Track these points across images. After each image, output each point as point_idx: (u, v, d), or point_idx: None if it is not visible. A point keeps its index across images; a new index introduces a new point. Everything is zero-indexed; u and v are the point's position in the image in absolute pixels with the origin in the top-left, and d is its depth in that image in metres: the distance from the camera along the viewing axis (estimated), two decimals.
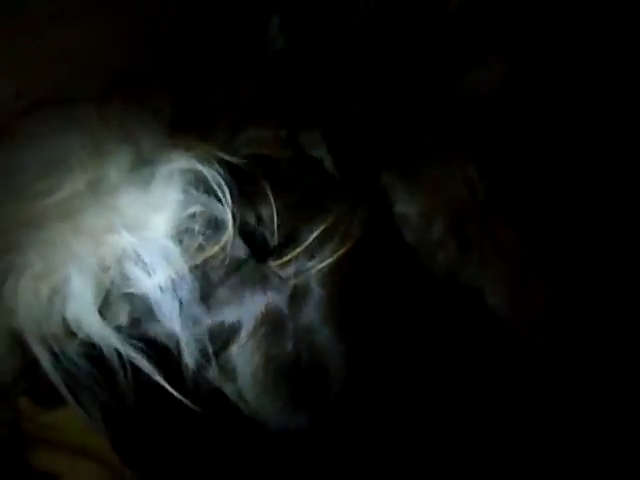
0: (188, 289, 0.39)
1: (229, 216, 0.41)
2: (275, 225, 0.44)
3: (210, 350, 0.39)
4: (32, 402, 0.42)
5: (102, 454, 0.41)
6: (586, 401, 0.41)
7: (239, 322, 0.41)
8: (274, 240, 0.44)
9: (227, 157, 0.44)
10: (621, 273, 0.44)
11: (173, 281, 0.39)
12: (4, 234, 0.38)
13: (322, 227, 0.44)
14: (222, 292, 0.41)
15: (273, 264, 0.42)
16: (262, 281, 0.42)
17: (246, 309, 0.41)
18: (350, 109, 0.49)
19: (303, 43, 0.53)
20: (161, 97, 0.47)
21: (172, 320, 0.38)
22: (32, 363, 0.40)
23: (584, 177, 0.46)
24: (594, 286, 0.44)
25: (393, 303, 0.43)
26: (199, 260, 0.40)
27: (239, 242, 0.42)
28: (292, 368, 0.41)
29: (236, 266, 0.42)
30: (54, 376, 0.39)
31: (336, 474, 0.40)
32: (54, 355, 0.39)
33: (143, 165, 0.42)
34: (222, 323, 0.41)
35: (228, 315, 0.41)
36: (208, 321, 0.40)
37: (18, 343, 0.39)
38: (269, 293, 0.42)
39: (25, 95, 0.46)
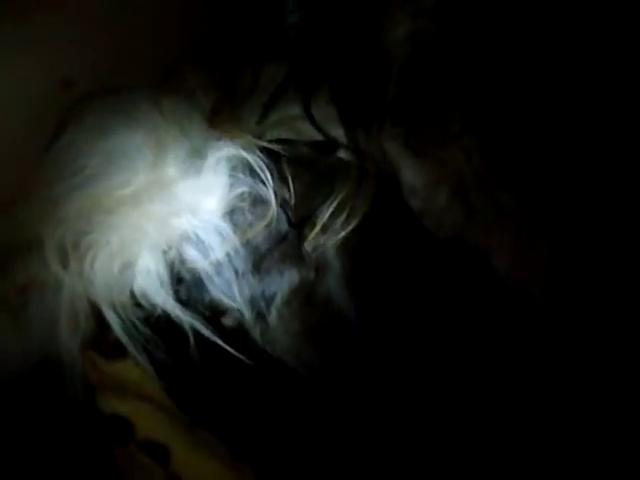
0: (242, 261, 0.47)
1: (272, 195, 0.48)
2: (293, 205, 0.50)
3: (255, 314, 0.47)
4: (98, 354, 0.49)
5: (159, 399, 0.49)
6: (584, 365, 0.46)
7: (276, 293, 0.49)
8: (293, 218, 0.51)
9: (262, 143, 0.50)
10: (621, 234, 0.48)
11: (228, 255, 0.46)
12: (86, 217, 0.45)
13: (334, 205, 0.49)
14: (266, 265, 0.49)
15: (304, 242, 0.50)
16: (297, 259, 0.49)
17: (283, 282, 0.49)
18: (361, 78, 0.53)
19: (317, 15, 0.58)
20: (201, 87, 0.53)
21: (230, 288, 0.46)
22: (100, 324, 0.48)
23: (578, 142, 0.50)
24: (594, 248, 0.48)
25: (402, 267, 0.50)
26: (250, 235, 0.47)
27: (282, 217, 0.49)
28: (320, 330, 0.49)
29: (278, 242, 0.49)
30: (121, 335, 0.47)
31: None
32: (122, 319, 0.47)
33: (195, 156, 0.49)
34: (263, 292, 0.49)
35: (268, 286, 0.49)
36: (256, 289, 0.48)
37: (93, 308, 0.47)
38: (302, 270, 0.49)
39: (75, 84, 0.49)
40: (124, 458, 0.47)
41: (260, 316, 0.48)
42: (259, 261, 0.48)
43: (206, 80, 0.53)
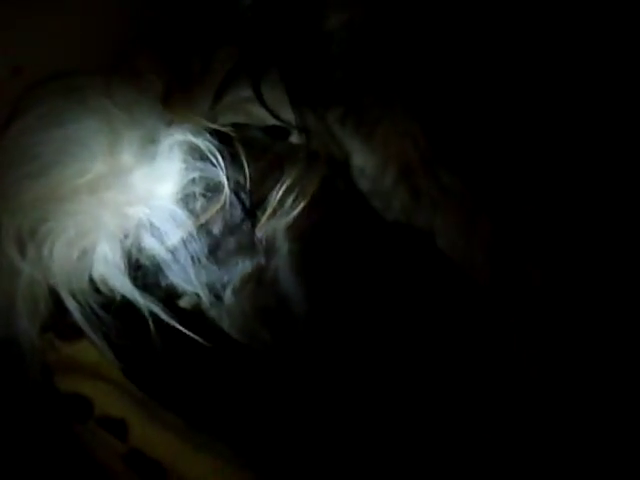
0: (197, 247, 0.48)
1: (224, 178, 0.49)
2: (248, 190, 0.52)
3: (212, 297, 0.50)
4: (56, 336, 0.51)
5: (115, 378, 0.51)
6: (524, 338, 0.50)
7: (231, 279, 0.51)
8: (248, 203, 0.53)
9: (215, 126, 0.51)
10: (562, 212, 0.51)
11: (184, 240, 0.48)
12: (43, 205, 0.45)
13: (283, 188, 0.52)
14: (221, 254, 0.51)
15: (256, 228, 0.52)
16: (251, 248, 0.51)
17: (238, 270, 0.51)
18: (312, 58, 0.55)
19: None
20: (153, 71, 0.53)
21: (187, 273, 0.48)
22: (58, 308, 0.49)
23: (518, 123, 0.53)
24: (535, 227, 0.51)
25: (350, 248, 0.52)
26: (203, 220, 0.49)
27: (235, 202, 0.50)
28: (269, 310, 0.51)
29: (232, 230, 0.51)
30: (80, 320, 0.48)
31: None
32: (80, 304, 0.48)
33: (148, 142, 0.50)
34: (219, 278, 0.51)
35: (225, 273, 0.51)
36: (212, 275, 0.50)
37: (51, 293, 0.48)
38: (255, 257, 0.51)
39: (23, 71, 0.50)
40: (85, 435, 0.49)
41: (217, 298, 0.50)
42: (214, 248, 0.50)
43: (157, 64, 0.54)
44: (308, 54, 0.56)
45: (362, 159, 0.56)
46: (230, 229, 0.51)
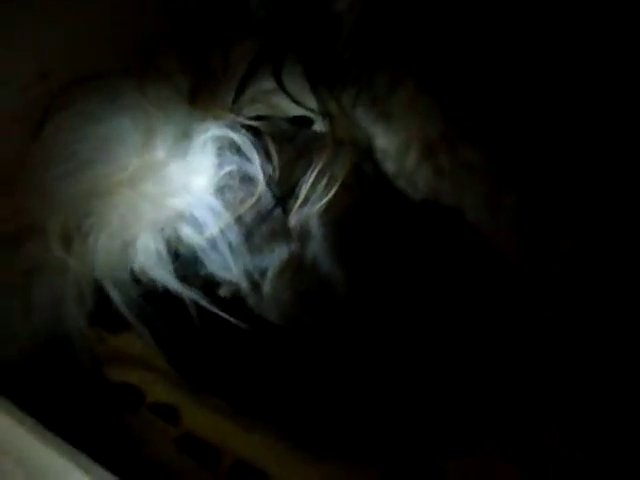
0: (235, 236, 0.50)
1: (259, 171, 0.51)
2: (277, 179, 0.53)
3: (250, 284, 0.51)
4: (103, 329, 0.52)
5: (162, 367, 0.52)
6: (559, 310, 0.51)
7: (268, 267, 0.52)
8: (278, 192, 0.54)
9: (244, 120, 0.53)
10: (586, 178, 0.52)
11: (222, 230, 0.50)
12: (86, 201, 0.47)
13: (314, 175, 0.53)
14: (257, 241, 0.52)
15: (289, 216, 0.53)
16: (284, 234, 0.52)
17: (274, 257, 0.52)
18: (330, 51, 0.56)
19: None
20: (178, 70, 0.55)
21: (225, 261, 0.49)
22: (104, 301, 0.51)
23: (540, 97, 0.54)
24: (561, 196, 0.53)
25: (383, 229, 0.53)
26: (241, 211, 0.50)
27: (268, 194, 0.52)
28: (310, 295, 0.53)
29: (265, 219, 0.52)
30: (124, 311, 0.50)
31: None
32: (124, 295, 0.50)
33: (182, 138, 0.51)
34: (256, 265, 0.52)
35: (261, 260, 0.52)
36: (250, 262, 0.51)
37: (96, 286, 0.49)
38: (290, 243, 0.52)
39: (51, 74, 0.51)
40: (136, 423, 0.51)
41: (255, 286, 0.52)
42: (250, 237, 0.51)
43: (182, 63, 0.56)
44: (321, 38, 0.57)
45: (384, 141, 0.58)
46: (263, 218, 0.52)
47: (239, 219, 0.51)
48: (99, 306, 0.51)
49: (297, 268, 0.53)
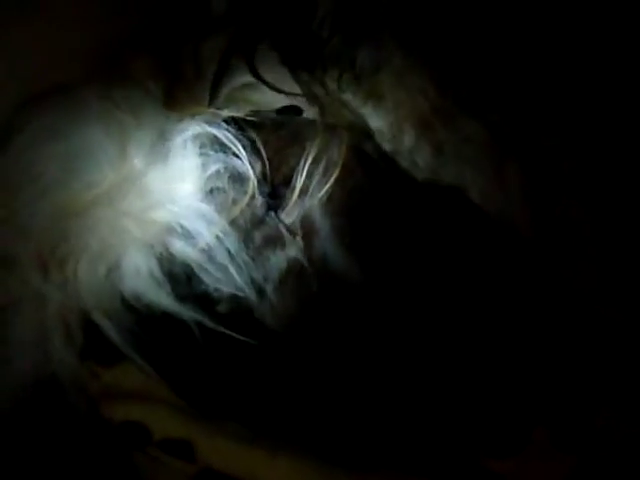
0: (232, 242, 0.45)
1: (247, 166, 0.46)
2: (268, 172, 0.48)
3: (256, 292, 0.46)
4: (95, 363, 0.47)
5: (167, 397, 0.47)
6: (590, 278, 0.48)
7: (266, 279, 0.47)
8: (269, 187, 0.49)
9: (227, 113, 0.48)
10: (591, 142, 0.50)
11: (217, 238, 0.44)
12: (59, 225, 0.42)
13: (309, 162, 0.48)
14: (255, 244, 0.47)
15: (282, 217, 0.48)
16: (279, 241, 0.47)
17: (270, 265, 0.47)
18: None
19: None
20: (149, 74, 0.50)
21: (226, 271, 0.44)
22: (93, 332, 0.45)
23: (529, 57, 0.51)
24: (568, 162, 0.50)
25: (387, 213, 0.49)
26: (236, 212, 0.45)
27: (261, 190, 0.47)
28: (319, 300, 0.48)
29: (257, 224, 0.47)
30: (118, 341, 0.44)
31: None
32: (116, 325, 0.44)
33: (158, 142, 0.46)
34: (258, 271, 0.47)
35: (261, 267, 0.47)
36: (251, 267, 0.46)
37: (83, 317, 0.44)
38: (286, 251, 0.48)
39: (10, 87, 0.45)
40: (146, 464, 0.45)
41: (259, 296, 0.47)
42: (248, 240, 0.46)
43: (151, 66, 0.51)
44: (294, 18, 0.53)
45: (377, 122, 0.54)
46: (260, 219, 0.48)
47: (234, 222, 0.45)
48: (88, 338, 0.45)
49: (301, 271, 0.48)
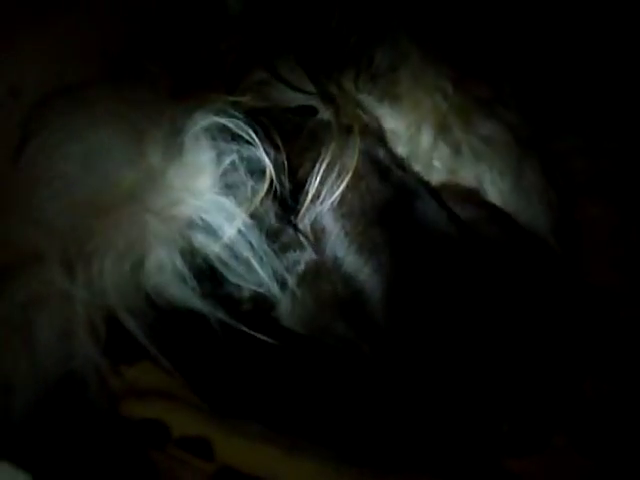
0: (254, 235, 0.45)
1: (263, 153, 0.45)
2: (286, 173, 0.49)
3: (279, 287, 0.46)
4: (118, 360, 0.46)
5: (186, 396, 0.47)
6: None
7: (285, 280, 0.47)
8: (286, 188, 0.49)
9: (243, 100, 0.48)
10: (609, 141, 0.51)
11: (239, 231, 0.44)
12: (83, 221, 0.41)
13: (323, 167, 0.48)
14: (271, 243, 0.47)
15: (296, 221, 0.48)
16: (298, 247, 0.48)
17: (289, 272, 0.47)
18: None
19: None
20: (160, 71, 0.49)
21: (249, 265, 0.44)
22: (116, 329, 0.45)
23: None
24: (589, 162, 0.51)
25: (399, 216, 0.49)
26: (257, 203, 0.45)
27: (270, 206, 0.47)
28: (335, 300, 0.48)
29: (274, 235, 0.47)
30: (141, 338, 0.44)
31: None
32: (140, 322, 0.44)
33: (172, 137, 0.46)
34: (282, 267, 0.47)
35: (278, 264, 0.47)
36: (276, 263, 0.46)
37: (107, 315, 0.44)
38: (305, 254, 0.48)
39: (23, 91, 0.45)
40: (165, 462, 0.45)
41: (284, 286, 0.47)
42: (270, 233, 0.46)
43: (163, 62, 0.50)
44: (312, 20, 0.54)
45: (393, 123, 0.54)
46: (279, 213, 0.48)
47: (255, 214, 0.45)
48: (111, 336, 0.45)
49: (317, 272, 0.48)
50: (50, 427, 0.43)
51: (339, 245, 0.49)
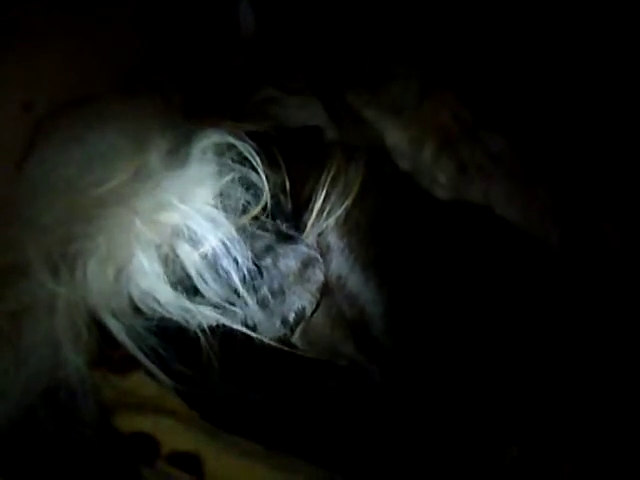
0: (239, 248, 0.43)
1: (263, 178, 0.44)
2: (288, 193, 0.48)
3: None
4: (109, 371, 0.45)
5: (178, 409, 0.45)
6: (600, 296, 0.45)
7: (272, 291, 0.45)
8: (289, 207, 0.48)
9: (249, 127, 0.47)
10: (619, 158, 0.48)
11: (224, 244, 0.43)
12: (68, 224, 0.41)
13: (327, 184, 0.47)
14: (258, 260, 0.45)
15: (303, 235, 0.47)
16: (308, 261, 0.46)
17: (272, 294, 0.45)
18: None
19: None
20: (170, 86, 0.50)
21: (231, 278, 0.42)
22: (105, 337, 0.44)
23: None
24: (598, 182, 0.48)
25: (405, 233, 0.48)
26: (245, 220, 0.44)
27: (274, 204, 0.46)
28: (342, 319, 0.46)
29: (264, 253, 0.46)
30: (130, 346, 0.43)
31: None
32: (125, 327, 0.43)
33: (178, 148, 0.45)
34: (267, 284, 0.45)
35: (261, 282, 0.45)
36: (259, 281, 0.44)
37: (93, 319, 0.43)
38: (317, 272, 0.46)
39: (36, 105, 0.46)
40: (155, 477, 0.43)
41: (263, 306, 0.45)
42: (258, 252, 0.45)
43: (173, 79, 0.51)
44: (320, 39, 0.54)
45: (394, 138, 0.52)
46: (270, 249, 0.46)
47: (242, 229, 0.44)
48: (101, 344, 0.44)
49: (325, 291, 0.47)
50: (37, 437, 0.42)
51: (342, 263, 0.47)
